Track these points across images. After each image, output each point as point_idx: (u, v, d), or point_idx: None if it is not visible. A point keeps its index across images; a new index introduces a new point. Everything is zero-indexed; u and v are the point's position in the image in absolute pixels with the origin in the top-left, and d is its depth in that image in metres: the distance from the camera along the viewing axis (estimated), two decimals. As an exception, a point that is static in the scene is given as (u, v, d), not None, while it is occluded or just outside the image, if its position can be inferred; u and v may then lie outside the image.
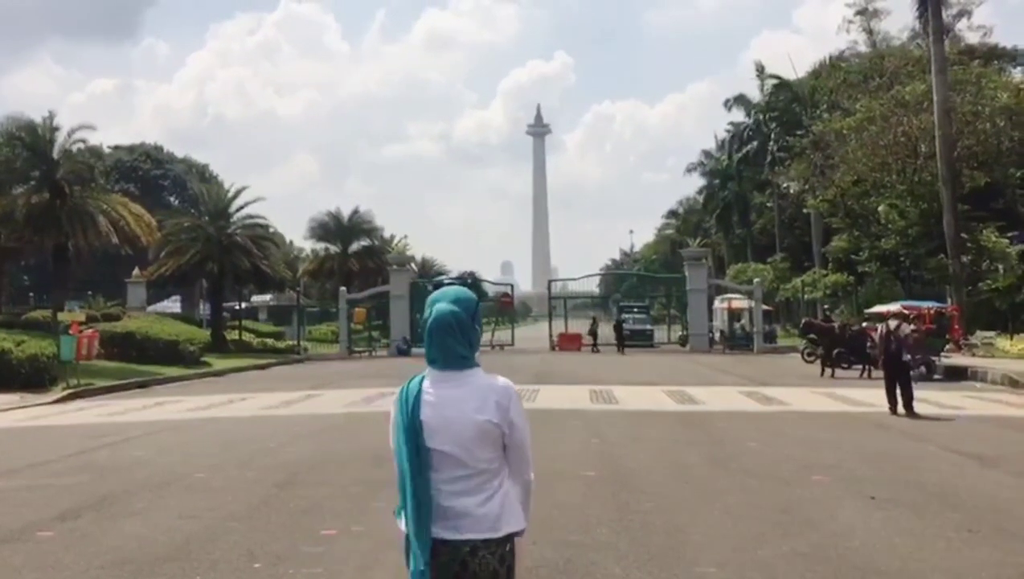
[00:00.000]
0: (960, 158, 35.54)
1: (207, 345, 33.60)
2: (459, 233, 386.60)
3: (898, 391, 14.40)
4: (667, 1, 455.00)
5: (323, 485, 8.60)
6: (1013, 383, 19.80)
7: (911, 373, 14.81)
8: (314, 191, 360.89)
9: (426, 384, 2.95)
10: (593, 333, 41.24)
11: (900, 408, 14.24)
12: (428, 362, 2.99)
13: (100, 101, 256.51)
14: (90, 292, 56.98)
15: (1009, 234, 35.58)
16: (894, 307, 23.08)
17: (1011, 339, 28.85)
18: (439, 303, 2.98)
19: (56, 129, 32.22)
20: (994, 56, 49.51)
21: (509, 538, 2.90)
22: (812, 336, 26.80)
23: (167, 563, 6.03)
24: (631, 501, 7.73)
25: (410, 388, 2.95)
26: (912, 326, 16.09)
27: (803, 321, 29.73)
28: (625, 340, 39.58)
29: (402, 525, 2.90)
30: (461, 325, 2.94)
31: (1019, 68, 48.19)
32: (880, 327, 16.41)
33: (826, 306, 37.68)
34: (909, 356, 14.76)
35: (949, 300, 32.72)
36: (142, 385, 23.23)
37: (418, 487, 2.83)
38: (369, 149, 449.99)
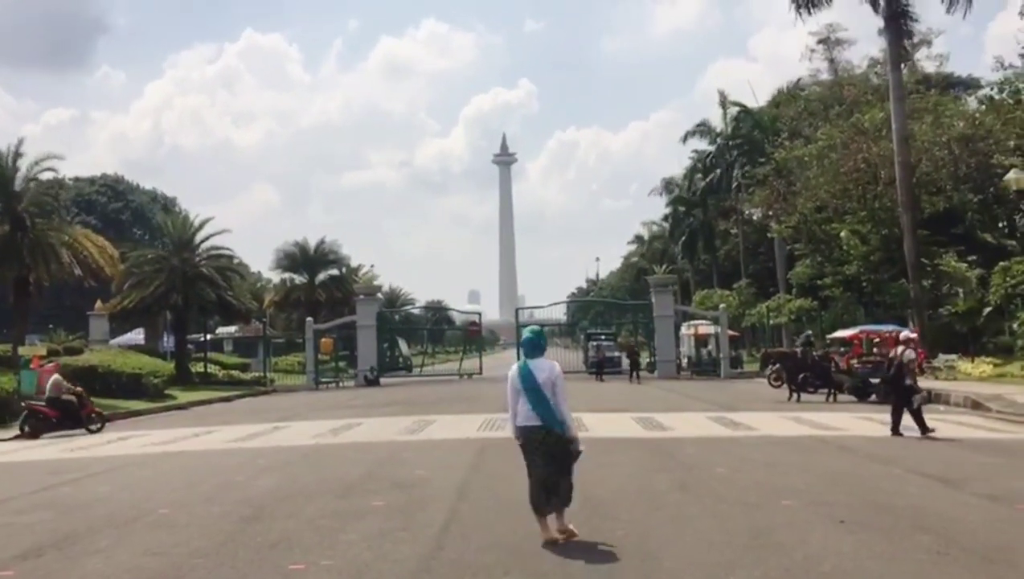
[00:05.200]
0: (919, 184, 36.18)
1: (171, 378, 33.10)
2: (424, 261, 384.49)
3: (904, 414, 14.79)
4: (619, 28, 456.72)
5: (291, 518, 8.48)
6: (975, 405, 20.10)
7: (913, 397, 14.96)
8: (275, 220, 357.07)
9: (525, 363, 7.33)
10: (597, 362, 39.46)
11: (918, 430, 14.57)
12: (526, 355, 7.49)
13: (55, 132, 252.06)
14: (51, 325, 56.08)
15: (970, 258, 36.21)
16: (851, 332, 23.28)
17: (972, 362, 29.28)
18: (526, 333, 7.74)
19: (20, 156, 31.74)
20: (950, 84, 50.73)
21: (568, 433, 7.24)
22: (774, 363, 27.11)
23: (132, 602, 5.90)
24: (602, 528, 7.70)
25: (521, 366, 7.34)
26: (912, 353, 16.13)
27: (762, 352, 29.99)
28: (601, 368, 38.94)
29: (523, 422, 7.29)
30: (536, 342, 7.50)
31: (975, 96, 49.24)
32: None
33: (798, 343, 37.43)
34: (910, 381, 14.96)
35: (911, 324, 33.14)
36: (105, 420, 22.81)
37: (539, 403, 7.14)
38: (329, 178, 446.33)
